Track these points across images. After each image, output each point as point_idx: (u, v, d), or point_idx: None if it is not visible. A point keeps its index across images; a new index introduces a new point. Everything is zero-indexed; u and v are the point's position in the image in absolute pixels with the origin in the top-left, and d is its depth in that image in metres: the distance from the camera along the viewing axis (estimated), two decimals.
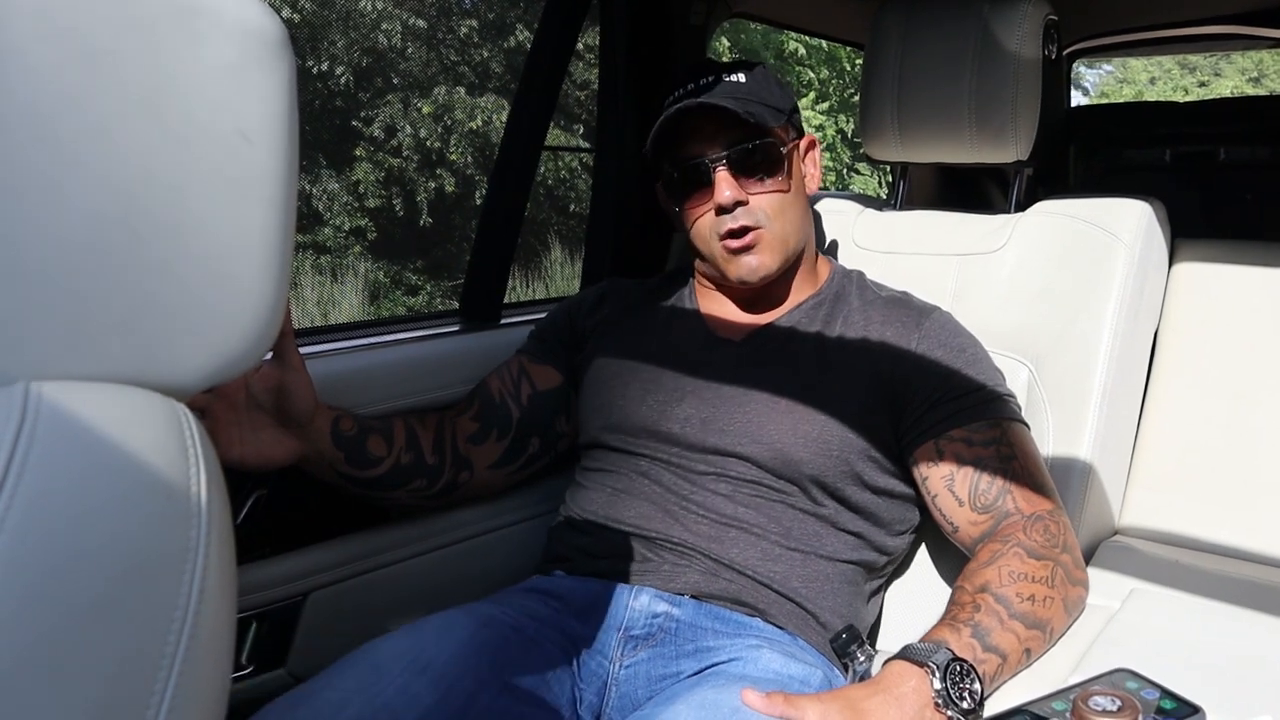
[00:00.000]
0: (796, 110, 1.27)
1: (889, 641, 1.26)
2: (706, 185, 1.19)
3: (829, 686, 1.04)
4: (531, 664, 1.05)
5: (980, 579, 0.99)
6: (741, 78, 1.21)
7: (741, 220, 1.18)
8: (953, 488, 1.11)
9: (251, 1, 0.48)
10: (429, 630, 1.03)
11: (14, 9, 0.40)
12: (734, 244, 1.19)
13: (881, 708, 0.87)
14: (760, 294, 1.26)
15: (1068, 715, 0.79)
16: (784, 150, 1.20)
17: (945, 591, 1.23)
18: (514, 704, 1.01)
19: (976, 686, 0.89)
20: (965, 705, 0.88)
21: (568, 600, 1.14)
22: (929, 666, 0.89)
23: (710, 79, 1.20)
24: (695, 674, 1.05)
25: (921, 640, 0.94)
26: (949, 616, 0.97)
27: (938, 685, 0.88)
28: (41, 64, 0.41)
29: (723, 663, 1.04)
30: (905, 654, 0.92)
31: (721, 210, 1.18)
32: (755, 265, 1.19)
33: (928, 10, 1.40)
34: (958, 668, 0.89)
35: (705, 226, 1.21)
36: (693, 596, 1.10)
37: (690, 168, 1.20)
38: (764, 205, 1.19)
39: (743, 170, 1.18)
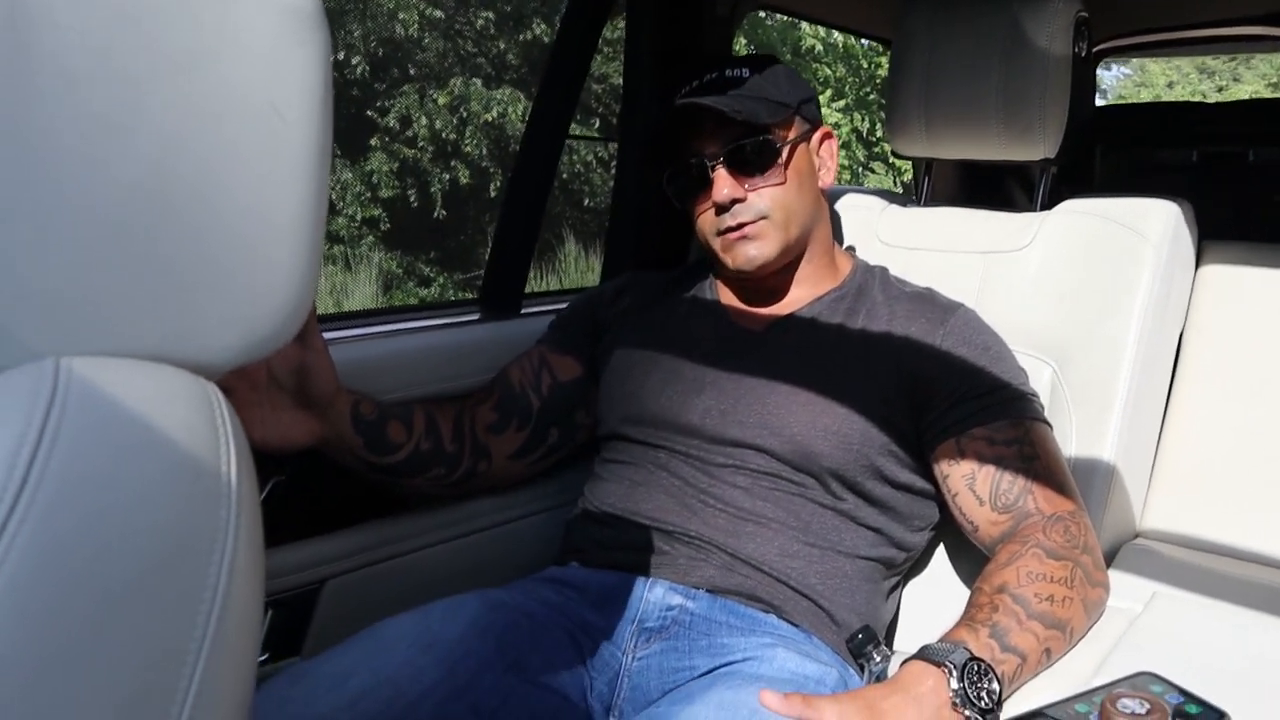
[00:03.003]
0: (811, 101, 1.27)
1: (907, 642, 1.25)
2: (706, 183, 1.20)
3: (844, 686, 1.04)
4: (539, 648, 1.05)
5: (998, 579, 0.99)
6: (745, 72, 1.21)
7: (740, 217, 1.19)
8: (973, 487, 1.10)
9: None
10: (437, 610, 1.05)
11: None
12: (732, 236, 1.20)
13: (899, 707, 0.87)
14: (776, 286, 1.26)
15: (1093, 717, 0.78)
16: (780, 145, 1.20)
17: (964, 592, 1.22)
18: (519, 684, 1.01)
19: (994, 687, 0.89)
20: (983, 705, 0.87)
21: (582, 590, 1.13)
22: (946, 666, 0.88)
23: (713, 76, 1.21)
24: (709, 672, 1.04)
25: (939, 641, 0.93)
26: (967, 617, 0.96)
27: (955, 685, 0.87)
28: (76, 32, 0.40)
29: (737, 661, 1.04)
30: (923, 654, 0.91)
31: (720, 208, 1.19)
32: (753, 255, 1.20)
33: (957, 5, 1.38)
34: (975, 667, 0.88)
35: (706, 223, 1.22)
36: (708, 590, 1.10)
37: (690, 166, 1.21)
38: (763, 199, 1.20)
39: (739, 167, 1.19)
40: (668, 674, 1.06)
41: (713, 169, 1.19)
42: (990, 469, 1.09)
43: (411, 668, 0.96)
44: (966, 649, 0.90)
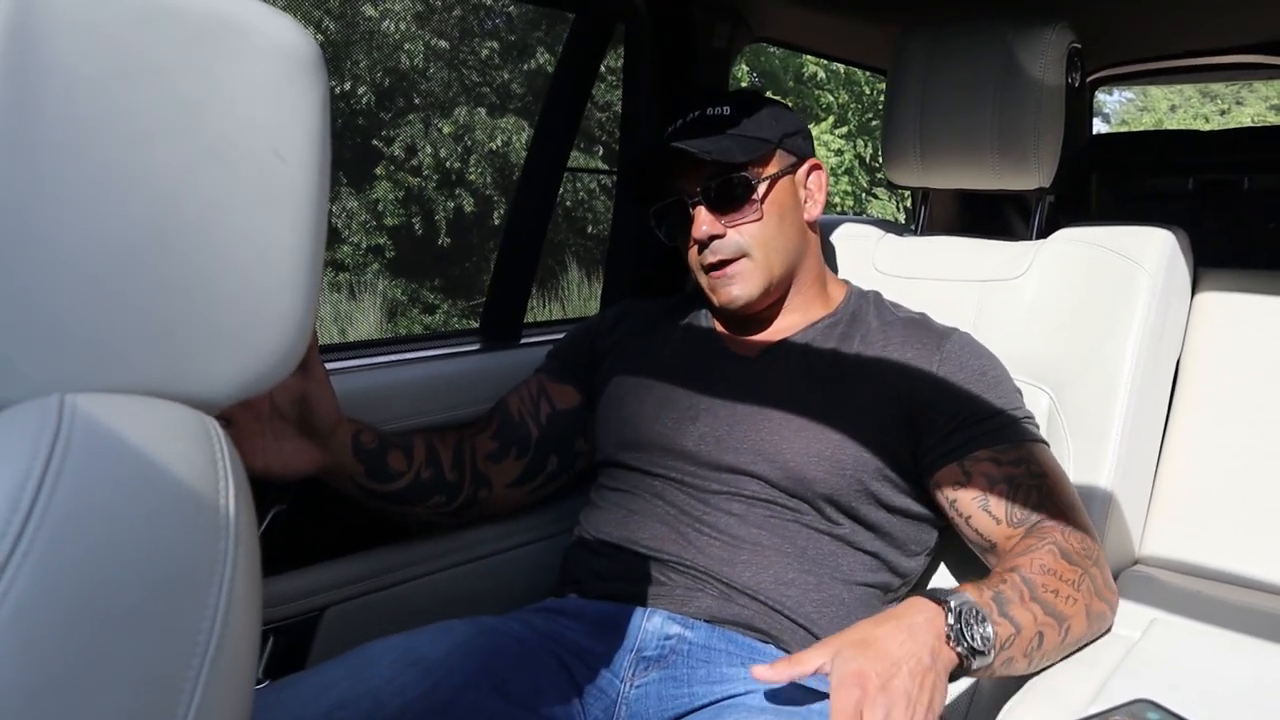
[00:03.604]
0: (798, 133, 1.28)
1: None
2: (687, 220, 1.23)
3: None
4: (528, 672, 1.06)
5: (1012, 563, 1.00)
6: (727, 110, 1.24)
7: (720, 254, 1.22)
8: (987, 508, 1.10)
9: (287, 22, 0.48)
10: (426, 632, 1.06)
11: (54, 26, 0.41)
12: (715, 275, 1.23)
13: (892, 634, 0.87)
14: (766, 315, 1.28)
15: None
16: (755, 182, 1.22)
17: None
18: (505, 706, 1.02)
19: (989, 633, 0.89)
20: (975, 645, 0.88)
21: (579, 619, 1.14)
22: (945, 604, 0.89)
23: (695, 115, 1.24)
24: (711, 704, 1.04)
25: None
26: (975, 582, 0.97)
27: (951, 620, 0.88)
28: (81, 81, 0.42)
29: (739, 695, 1.04)
30: (925, 592, 0.93)
31: (700, 245, 1.22)
32: (736, 294, 1.22)
33: (951, 37, 1.40)
34: (973, 611, 0.90)
35: (693, 258, 1.26)
36: (706, 620, 1.10)
37: (671, 204, 1.24)
38: (741, 235, 1.22)
39: (717, 205, 1.21)
40: (667, 701, 1.06)
41: (692, 206, 1.21)
42: (1002, 488, 1.09)
43: (393, 684, 0.98)
44: (969, 596, 0.91)
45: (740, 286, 1.22)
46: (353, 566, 1.28)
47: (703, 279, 1.25)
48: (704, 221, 1.20)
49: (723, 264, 1.22)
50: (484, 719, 1.00)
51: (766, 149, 1.23)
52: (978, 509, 1.10)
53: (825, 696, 1.04)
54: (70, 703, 0.38)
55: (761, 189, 1.22)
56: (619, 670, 1.09)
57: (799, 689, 1.03)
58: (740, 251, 1.21)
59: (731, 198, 1.21)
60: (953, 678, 0.89)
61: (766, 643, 1.10)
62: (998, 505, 1.09)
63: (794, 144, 1.27)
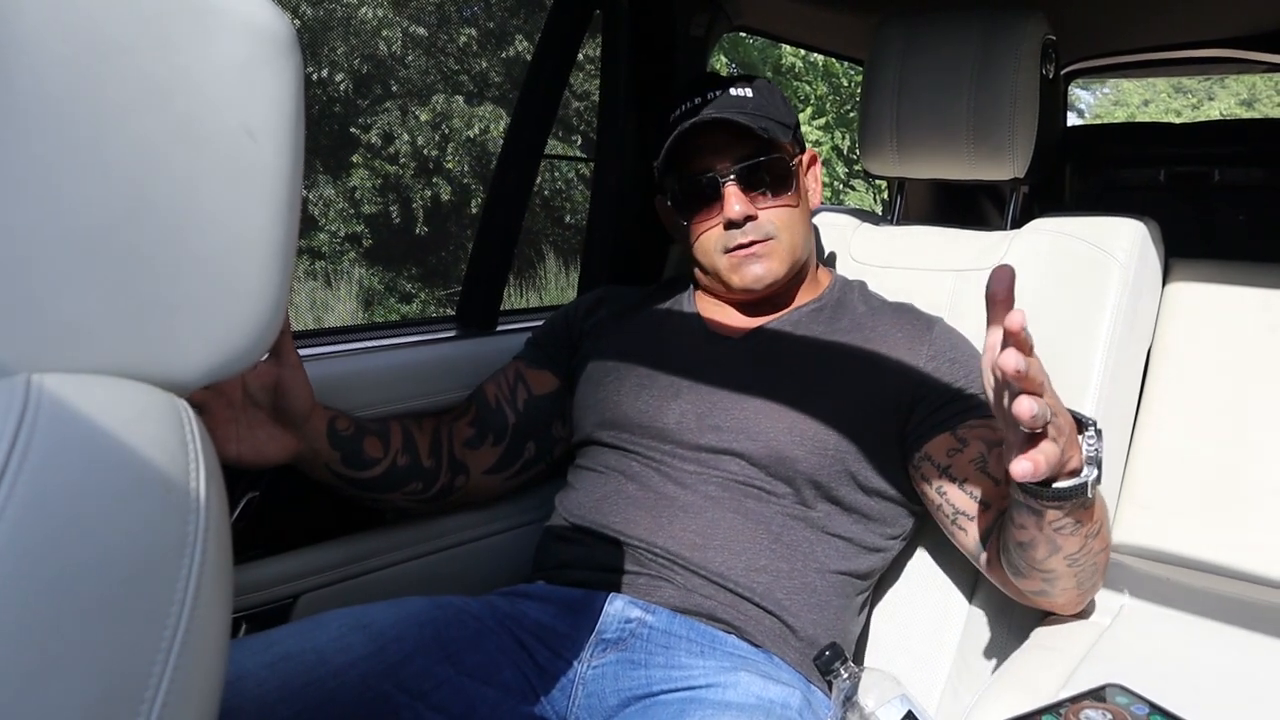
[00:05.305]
0: (798, 125, 1.30)
1: (877, 659, 1.26)
2: (715, 199, 1.21)
3: (809, 707, 1.04)
4: (481, 648, 1.06)
5: None
6: (748, 92, 1.23)
7: (751, 235, 1.21)
8: (986, 469, 1.07)
9: (261, 0, 0.48)
10: (381, 604, 1.08)
11: (23, 2, 0.40)
12: (740, 255, 1.21)
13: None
14: (761, 301, 1.27)
15: None
16: (793, 165, 1.22)
17: (933, 606, 1.23)
18: (454, 674, 1.03)
19: (1099, 450, 0.89)
20: (1100, 457, 0.88)
21: (544, 602, 1.14)
22: (1080, 419, 0.89)
23: (717, 92, 1.22)
24: (670, 692, 1.04)
25: None
26: None
27: (1090, 432, 0.88)
28: (50, 58, 0.41)
29: (700, 687, 1.03)
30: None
31: (731, 225, 1.20)
32: (762, 273, 1.21)
33: (928, 28, 1.41)
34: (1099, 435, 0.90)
35: (711, 240, 1.23)
36: (668, 608, 1.10)
37: (699, 182, 1.22)
38: (773, 219, 1.21)
39: (752, 185, 1.20)
40: (623, 682, 1.06)
41: (724, 185, 1.20)
42: (1000, 451, 1.05)
43: (340, 642, 0.99)
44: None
45: (764, 266, 1.22)
46: (327, 554, 1.27)
47: (720, 260, 1.23)
48: (737, 201, 1.19)
49: (752, 245, 1.21)
50: (431, 684, 1.01)
51: (789, 135, 1.24)
52: (975, 471, 1.08)
53: (790, 689, 1.04)
54: (31, 693, 0.37)
55: (796, 173, 1.23)
56: (579, 652, 1.09)
57: (764, 682, 1.03)
58: (768, 234, 1.21)
59: (768, 179, 1.21)
60: (1053, 495, 0.88)
61: (729, 633, 1.10)
62: (998, 467, 1.06)
63: (799, 134, 1.29)
